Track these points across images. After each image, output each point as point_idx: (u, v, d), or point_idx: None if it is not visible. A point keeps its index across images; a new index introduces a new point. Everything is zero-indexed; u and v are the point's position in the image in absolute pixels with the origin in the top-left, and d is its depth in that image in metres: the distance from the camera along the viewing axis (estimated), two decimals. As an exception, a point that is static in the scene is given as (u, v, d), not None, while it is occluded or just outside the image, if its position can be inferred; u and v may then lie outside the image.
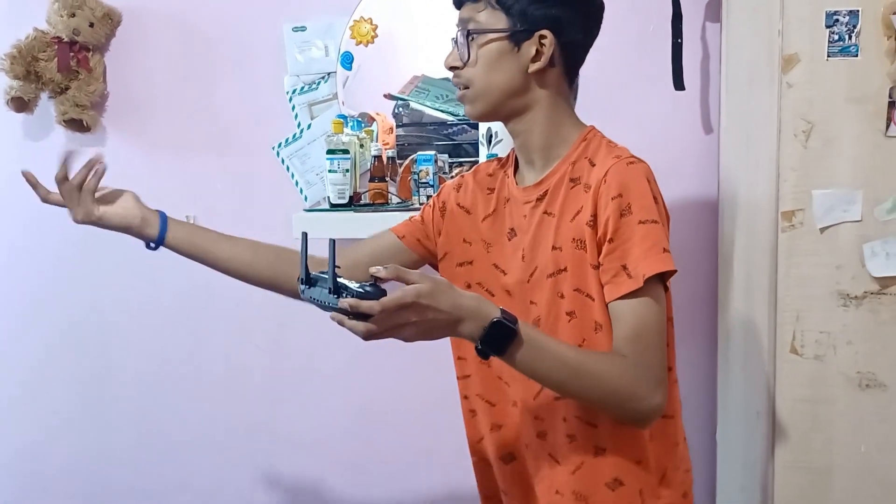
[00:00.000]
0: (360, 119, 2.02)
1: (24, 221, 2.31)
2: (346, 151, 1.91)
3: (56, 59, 2.13)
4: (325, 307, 0.98)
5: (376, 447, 2.21)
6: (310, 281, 1.02)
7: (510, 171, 1.28)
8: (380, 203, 1.92)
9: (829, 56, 1.49)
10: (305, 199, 2.07)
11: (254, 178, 2.16)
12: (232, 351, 2.26)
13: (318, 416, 2.23)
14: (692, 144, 1.94)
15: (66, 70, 2.14)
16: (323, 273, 0.99)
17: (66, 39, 2.13)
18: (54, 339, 2.36)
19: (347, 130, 1.95)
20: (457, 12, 1.22)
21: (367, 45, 2.04)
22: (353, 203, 1.94)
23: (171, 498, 2.34)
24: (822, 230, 1.51)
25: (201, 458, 2.31)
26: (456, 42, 1.19)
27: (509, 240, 1.25)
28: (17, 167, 2.31)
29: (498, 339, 1.01)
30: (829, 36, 1.48)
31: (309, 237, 1.04)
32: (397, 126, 2.03)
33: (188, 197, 2.21)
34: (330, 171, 1.92)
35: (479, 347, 1.02)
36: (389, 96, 2.04)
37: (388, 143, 1.99)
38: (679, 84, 1.86)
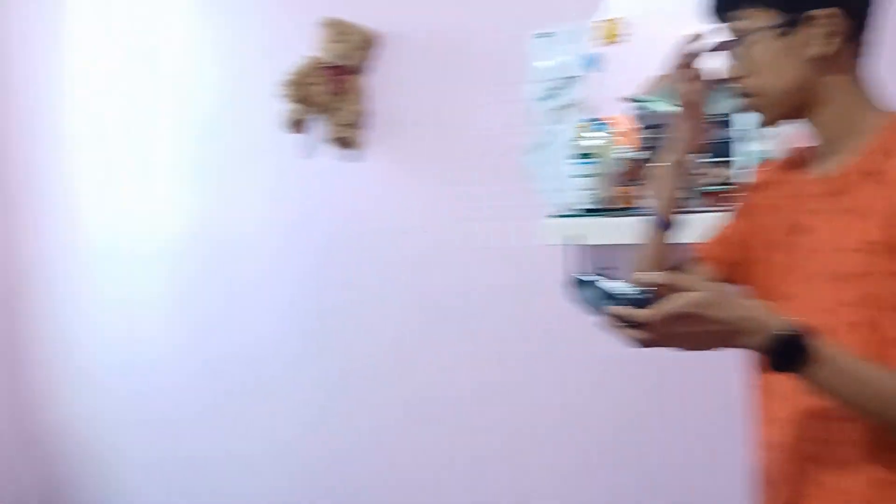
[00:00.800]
0: (604, 122, 2.00)
1: (285, 230, 2.58)
2: (593, 155, 1.90)
3: (325, 82, 2.33)
4: (596, 311, 0.95)
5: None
6: (583, 283, 0.98)
7: (799, 162, 1.18)
8: (627, 207, 1.89)
9: None
10: (555, 204, 2.07)
11: (507, 185, 2.20)
12: (483, 355, 2.31)
13: (582, 412, 2.17)
14: None
15: (334, 92, 2.34)
16: (599, 274, 0.96)
17: (333, 64, 2.33)
18: (307, 338, 2.60)
19: (593, 134, 1.94)
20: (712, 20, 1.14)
21: (611, 47, 2.01)
22: (603, 208, 1.93)
23: (424, 497, 2.44)
24: None
25: (450, 458, 2.38)
26: (730, 52, 1.13)
27: (791, 237, 1.14)
28: (288, 183, 2.61)
29: (784, 354, 0.92)
30: None
31: (561, 243, 1.03)
32: (642, 128, 1.98)
33: (445, 205, 2.31)
34: (577, 175, 1.92)
35: (768, 362, 0.94)
36: (631, 98, 2.00)
37: (633, 145, 1.95)
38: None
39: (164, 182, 2.89)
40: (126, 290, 2.98)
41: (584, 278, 0.99)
